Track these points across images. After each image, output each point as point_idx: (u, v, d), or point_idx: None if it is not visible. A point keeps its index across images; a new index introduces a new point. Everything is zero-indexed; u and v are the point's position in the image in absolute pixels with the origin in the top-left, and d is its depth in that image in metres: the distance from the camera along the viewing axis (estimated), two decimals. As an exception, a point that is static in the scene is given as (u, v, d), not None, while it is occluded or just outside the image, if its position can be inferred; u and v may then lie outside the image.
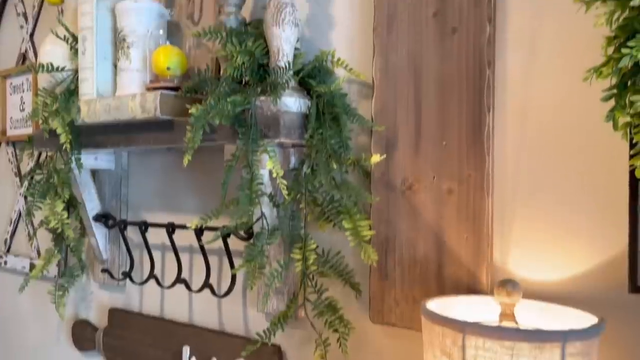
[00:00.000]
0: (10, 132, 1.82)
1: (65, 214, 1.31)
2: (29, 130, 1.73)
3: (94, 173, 1.48)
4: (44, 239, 1.64)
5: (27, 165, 1.76)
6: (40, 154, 1.70)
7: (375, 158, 0.99)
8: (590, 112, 0.81)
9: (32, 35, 1.79)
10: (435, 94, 0.96)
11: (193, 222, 1.05)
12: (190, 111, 1.01)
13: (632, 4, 0.71)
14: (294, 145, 1.10)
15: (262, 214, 1.05)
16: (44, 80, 1.36)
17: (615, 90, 0.73)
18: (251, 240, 1.09)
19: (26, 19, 1.81)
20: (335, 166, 1.01)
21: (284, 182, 1.01)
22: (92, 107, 1.24)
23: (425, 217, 0.96)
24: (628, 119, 0.72)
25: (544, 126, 0.88)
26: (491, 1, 0.91)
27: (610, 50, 0.73)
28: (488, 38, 0.91)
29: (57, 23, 1.37)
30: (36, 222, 1.55)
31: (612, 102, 0.73)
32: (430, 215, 0.96)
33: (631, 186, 0.79)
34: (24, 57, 1.82)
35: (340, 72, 1.09)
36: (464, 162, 0.93)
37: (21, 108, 1.78)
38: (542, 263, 0.87)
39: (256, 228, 1.08)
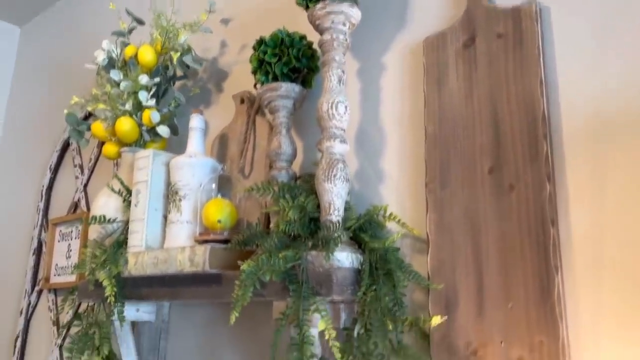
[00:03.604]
0: (54, 280, 1.83)
1: (102, 372, 1.25)
2: (72, 278, 1.73)
3: (133, 324, 1.44)
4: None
5: (66, 314, 1.73)
6: (79, 305, 1.68)
7: (437, 319, 0.93)
8: (674, 276, 0.75)
9: (85, 185, 1.87)
10: (496, 253, 0.92)
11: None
12: (241, 267, 0.99)
13: None
14: (344, 302, 1.05)
15: (314, 380, 0.97)
16: (94, 231, 1.38)
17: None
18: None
19: (82, 170, 1.90)
20: (391, 326, 0.95)
21: (337, 344, 0.94)
22: (140, 260, 1.23)
23: (495, 388, 0.87)
24: None
25: (620, 290, 0.81)
26: (549, 158, 0.90)
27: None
28: (549, 196, 0.88)
29: (112, 177, 1.42)
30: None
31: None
32: (501, 386, 0.87)
33: None
34: (75, 206, 1.88)
35: (392, 225, 1.08)
36: (534, 327, 0.85)
37: (67, 255, 1.80)
38: None
39: (305, 396, 0.99)
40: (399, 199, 1.11)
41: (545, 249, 0.87)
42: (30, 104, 2.32)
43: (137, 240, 1.28)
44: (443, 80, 1.06)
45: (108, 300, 1.25)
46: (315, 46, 1.24)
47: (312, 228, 1.09)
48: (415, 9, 1.18)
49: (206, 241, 1.16)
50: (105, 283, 1.25)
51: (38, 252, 1.95)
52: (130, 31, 1.58)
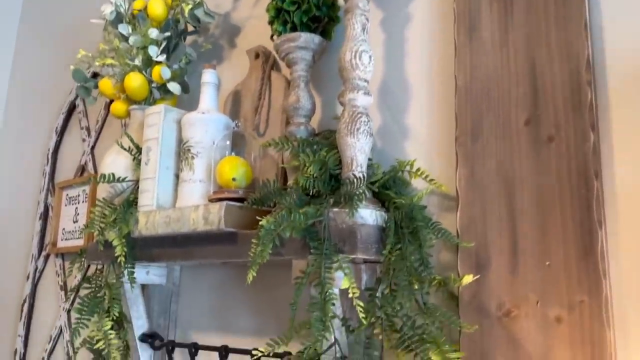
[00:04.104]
0: (61, 244, 1.78)
1: (113, 334, 1.21)
2: (80, 242, 1.69)
3: (143, 287, 1.40)
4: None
5: (74, 278, 1.69)
6: (88, 268, 1.63)
7: (468, 278, 0.88)
8: None
9: (93, 148, 1.81)
10: (532, 208, 0.86)
11: (260, 348, 0.93)
12: (260, 223, 0.94)
13: None
14: (366, 262, 1.00)
15: (336, 341, 0.92)
16: (103, 191, 1.33)
17: None
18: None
19: (89, 132, 1.85)
20: (417, 286, 0.90)
21: (361, 303, 0.89)
22: (151, 219, 1.18)
23: (530, 350, 0.82)
24: None
25: (672, 245, 0.76)
26: (593, 107, 0.83)
27: None
28: (592, 146, 0.82)
29: (121, 135, 1.37)
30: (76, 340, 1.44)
31: None
32: (536, 347, 0.82)
33: None
34: (82, 169, 1.83)
35: (417, 183, 1.02)
36: (574, 285, 0.80)
37: (75, 219, 1.75)
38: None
39: (326, 358, 0.95)
40: (426, 155, 1.05)
41: (587, 203, 0.81)
42: (36, 66, 2.25)
43: (147, 200, 1.23)
44: (476, 28, 0.99)
45: (118, 261, 1.20)
46: (337, -6, 1.17)
47: (333, 185, 1.03)
48: (444, -47, 1.10)
49: (220, 200, 1.11)
50: (115, 243, 1.20)
51: (44, 216, 1.90)
52: (139, -16, 1.51)
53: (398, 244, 0.94)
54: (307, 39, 1.14)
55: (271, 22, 1.19)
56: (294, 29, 1.15)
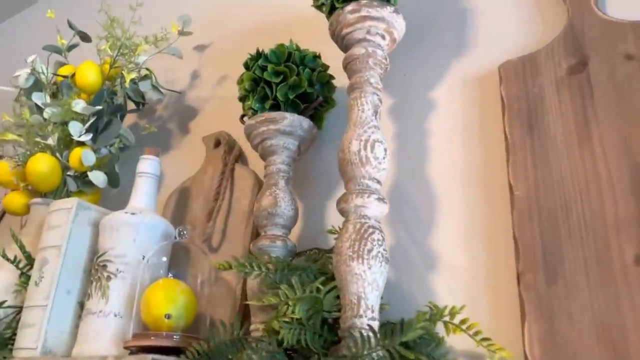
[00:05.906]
0: None
1: None
2: None
3: None
4: None
5: None
6: None
7: None
8: None
9: (-21, 253, 1.36)
10: (673, 402, 0.52)
11: None
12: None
13: None
14: None
15: None
16: (-34, 320, 0.89)
17: None
18: None
19: (-22, 231, 1.40)
20: None
21: None
22: (28, 374, 0.75)
23: None
24: None
25: None
26: None
27: None
28: None
29: (9, 238, 0.96)
30: None
31: None
32: None
33: None
34: (-41, 281, 1.36)
35: (455, 341, 0.67)
36: None
37: None
38: None
39: None
40: (466, 296, 0.71)
41: None
42: None
43: (29, 340, 0.80)
44: (537, 121, 0.71)
45: None
46: (331, 71, 0.88)
47: (325, 338, 0.66)
48: (480, 26, 0.85)
49: (144, 349, 0.71)
50: (-39, 412, 0.75)
51: None
52: (70, 49, 1.18)
53: None
54: (294, 121, 0.82)
55: (243, 98, 0.87)
56: (275, 107, 0.83)
